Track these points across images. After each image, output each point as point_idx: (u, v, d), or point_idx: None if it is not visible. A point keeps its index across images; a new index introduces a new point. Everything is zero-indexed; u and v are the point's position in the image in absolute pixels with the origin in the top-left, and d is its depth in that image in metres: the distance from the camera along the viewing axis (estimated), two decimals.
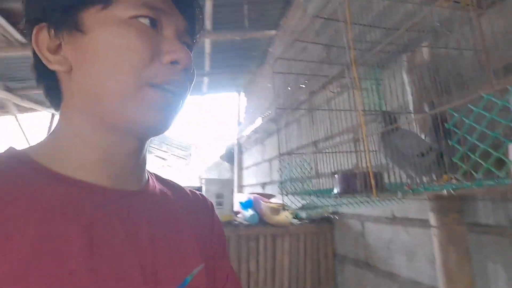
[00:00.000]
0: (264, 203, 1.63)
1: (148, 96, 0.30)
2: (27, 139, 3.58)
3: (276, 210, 1.50)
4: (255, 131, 3.34)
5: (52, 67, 0.32)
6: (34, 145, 0.33)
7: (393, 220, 1.27)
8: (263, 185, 2.94)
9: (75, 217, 0.28)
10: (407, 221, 1.14)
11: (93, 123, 0.32)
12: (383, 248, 1.31)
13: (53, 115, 4.25)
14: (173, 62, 0.32)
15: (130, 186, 0.34)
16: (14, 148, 0.32)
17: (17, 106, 3.38)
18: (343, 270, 1.57)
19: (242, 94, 4.37)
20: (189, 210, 0.42)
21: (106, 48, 0.30)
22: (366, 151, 0.67)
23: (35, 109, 3.54)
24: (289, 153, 0.98)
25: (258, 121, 3.26)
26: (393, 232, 1.26)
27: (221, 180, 1.55)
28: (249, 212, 1.59)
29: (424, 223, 1.01)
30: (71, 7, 0.31)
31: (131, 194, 0.34)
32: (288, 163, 0.99)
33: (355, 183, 0.73)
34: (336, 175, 0.82)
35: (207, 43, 2.70)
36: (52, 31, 0.31)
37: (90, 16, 0.30)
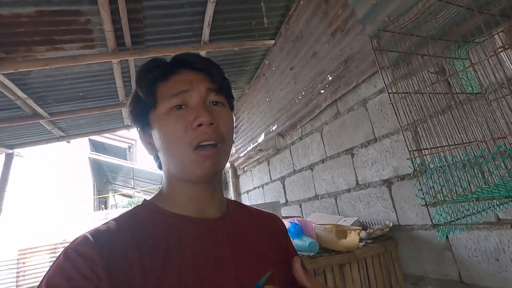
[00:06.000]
0: (320, 226, 1.34)
1: (194, 158, 0.47)
2: None
3: (343, 233, 1.22)
4: (255, 149, 3.06)
5: (150, 153, 0.55)
6: (155, 195, 0.54)
7: (499, 224, 1.06)
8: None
9: (179, 237, 0.46)
10: None
11: (177, 179, 0.51)
12: (488, 260, 1.08)
13: (7, 155, 3.56)
14: (199, 125, 0.47)
15: (212, 214, 0.52)
16: (146, 199, 0.53)
17: None
18: None
19: None
20: (263, 227, 0.58)
21: (161, 134, 0.49)
22: None
23: None
24: (430, 148, 0.73)
25: (260, 138, 2.99)
26: (502, 238, 1.05)
27: (270, 203, 1.24)
28: (305, 240, 1.29)
29: None
30: (144, 116, 0.53)
31: (213, 220, 0.51)
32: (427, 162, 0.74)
33: None
34: None
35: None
36: (143, 133, 0.55)
37: (151, 117, 0.51)
